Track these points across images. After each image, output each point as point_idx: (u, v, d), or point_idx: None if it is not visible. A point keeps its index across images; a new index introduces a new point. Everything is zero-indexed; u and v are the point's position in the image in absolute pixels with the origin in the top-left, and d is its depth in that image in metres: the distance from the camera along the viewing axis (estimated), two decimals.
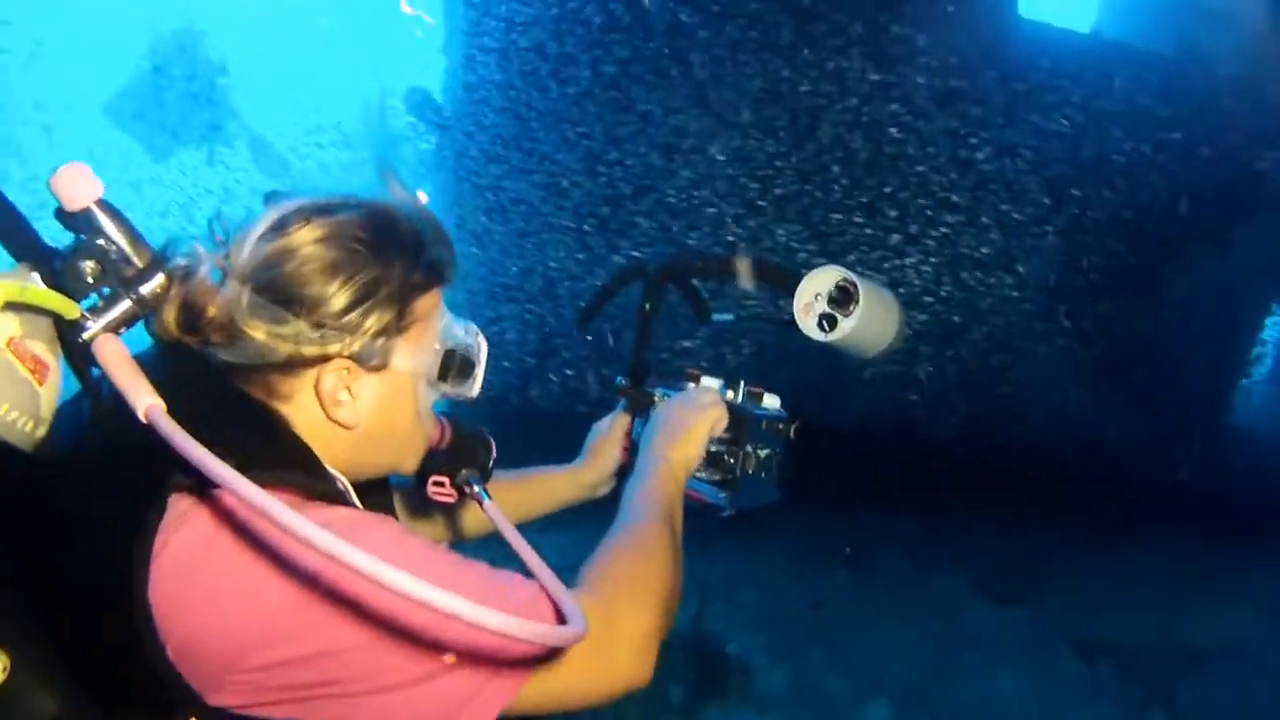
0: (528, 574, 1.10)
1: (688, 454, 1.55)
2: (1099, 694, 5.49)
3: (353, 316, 1.09)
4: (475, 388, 1.30)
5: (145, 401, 0.94)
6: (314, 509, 1.03)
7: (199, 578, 0.98)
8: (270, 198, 1.16)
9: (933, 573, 6.90)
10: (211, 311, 1.07)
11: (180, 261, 1.08)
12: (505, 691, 1.04)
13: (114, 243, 1.04)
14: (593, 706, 1.13)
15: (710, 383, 1.69)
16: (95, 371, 1.03)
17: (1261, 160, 8.26)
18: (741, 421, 1.61)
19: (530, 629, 0.90)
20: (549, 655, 1.05)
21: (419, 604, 0.85)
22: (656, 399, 1.71)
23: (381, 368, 1.15)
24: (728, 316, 2.05)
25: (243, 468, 0.88)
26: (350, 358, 1.11)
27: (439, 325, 1.23)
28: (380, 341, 1.12)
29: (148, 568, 0.96)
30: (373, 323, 1.11)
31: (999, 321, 8.19)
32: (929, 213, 7.80)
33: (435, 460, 1.40)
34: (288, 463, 1.06)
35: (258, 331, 1.06)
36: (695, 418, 1.58)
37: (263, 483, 0.88)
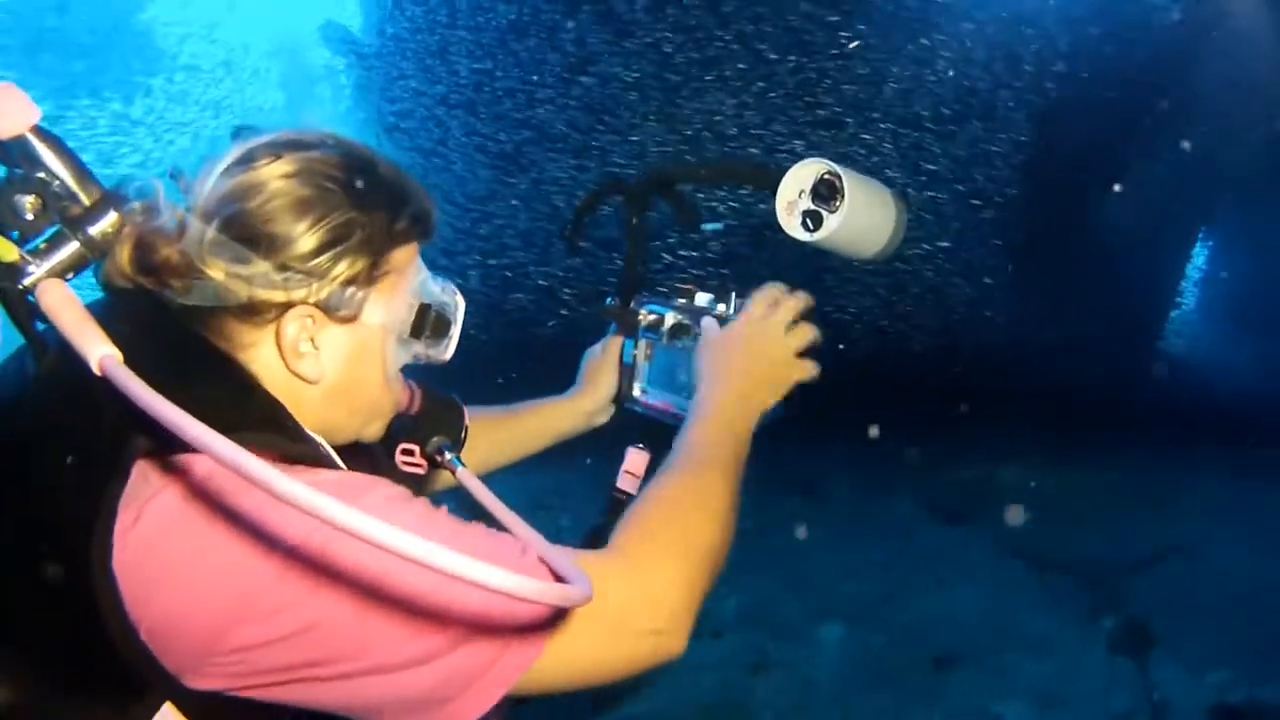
0: None
1: (762, 395, 1.38)
2: (1053, 604, 5.54)
3: (321, 260, 1.01)
4: (450, 349, 1.21)
5: (99, 351, 0.83)
6: (297, 473, 0.93)
7: (173, 551, 0.89)
8: (238, 133, 1.06)
9: (882, 495, 6.88)
10: (168, 250, 0.98)
11: (135, 202, 0.98)
12: (516, 667, 0.95)
13: (56, 176, 0.93)
14: (618, 680, 1.04)
15: (702, 297, 1.57)
16: (39, 325, 0.93)
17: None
18: None
19: (539, 589, 0.77)
20: (558, 624, 0.96)
21: (424, 567, 0.72)
22: (643, 317, 1.61)
23: (350, 319, 1.06)
24: (717, 226, 1.82)
25: (214, 426, 0.76)
26: (316, 305, 1.03)
27: (415, 280, 1.14)
28: (350, 291, 1.04)
29: (110, 543, 0.87)
30: (343, 269, 1.02)
31: (942, 248, 8.17)
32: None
33: (404, 427, 1.30)
34: (262, 421, 0.98)
35: (216, 270, 0.98)
36: (752, 346, 1.40)
37: (245, 445, 0.75)
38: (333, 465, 1.03)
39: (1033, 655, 4.97)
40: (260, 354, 1.04)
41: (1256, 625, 4.99)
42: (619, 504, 1.54)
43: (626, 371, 1.65)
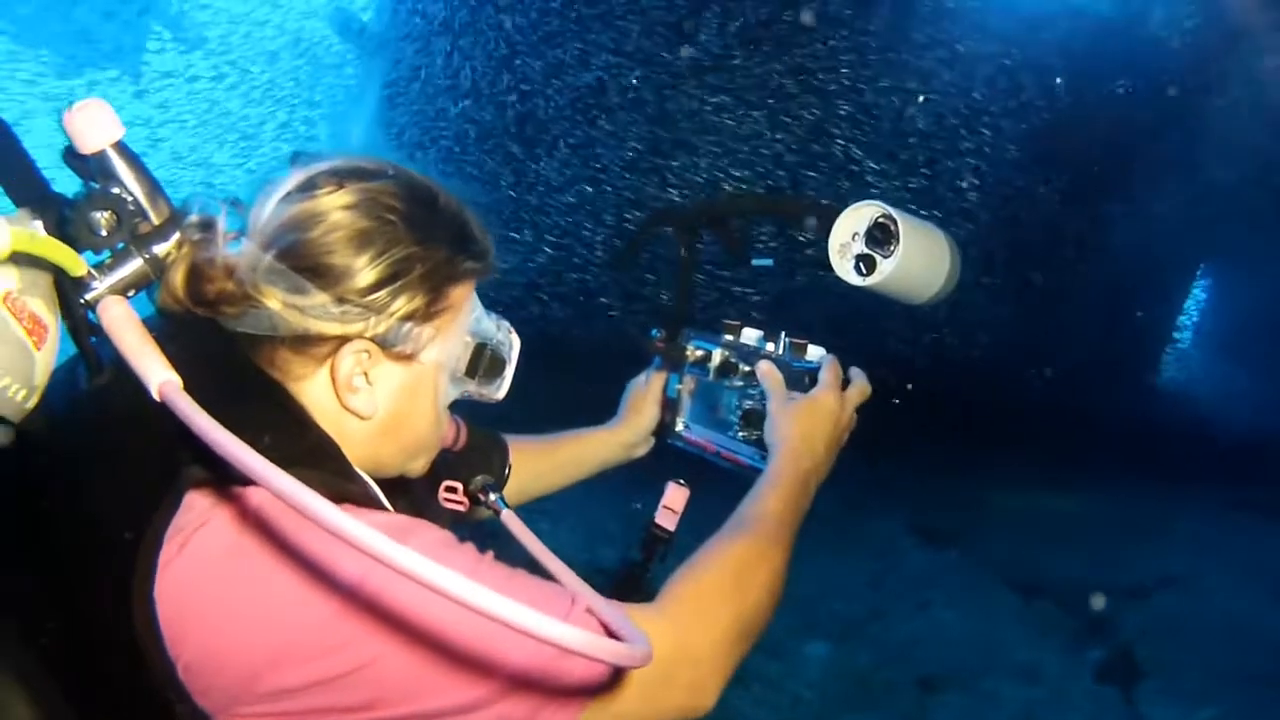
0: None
1: (826, 471, 1.42)
2: (1039, 630, 5.52)
3: (380, 295, 0.99)
4: (503, 389, 1.19)
5: (160, 376, 0.83)
6: (346, 511, 0.89)
7: (221, 588, 0.87)
8: (296, 158, 1.05)
9: (870, 515, 6.83)
10: (223, 277, 0.97)
11: (195, 219, 0.97)
12: (563, 718, 0.94)
13: (130, 193, 0.93)
14: None
15: (751, 334, 1.56)
16: (93, 339, 0.93)
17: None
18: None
19: (603, 647, 0.78)
20: (609, 681, 0.96)
21: (487, 619, 0.72)
22: (689, 353, 1.61)
23: (406, 356, 1.04)
24: (767, 261, 1.81)
25: (269, 459, 0.76)
26: (373, 340, 1.01)
27: (470, 317, 1.12)
28: (407, 326, 1.02)
29: (154, 574, 0.85)
30: (401, 305, 1.00)
31: None
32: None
33: (447, 464, 1.29)
34: (315, 455, 0.96)
35: (273, 300, 0.96)
36: (830, 425, 1.43)
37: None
38: (379, 505, 1.01)
39: (1019, 681, 4.93)
40: (312, 386, 1.02)
41: (1244, 660, 4.96)
42: (656, 539, 1.54)
43: (670, 405, 1.66)
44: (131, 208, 0.94)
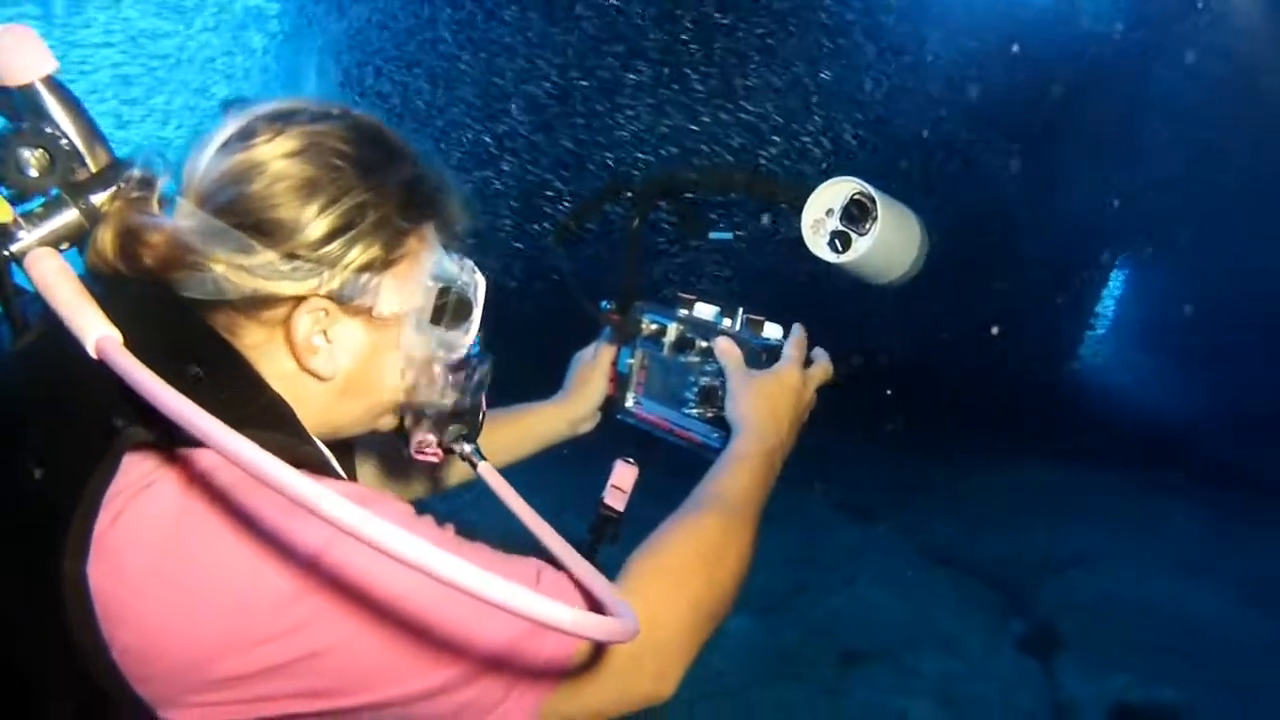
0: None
1: (788, 446, 1.37)
2: (962, 604, 5.56)
3: (333, 247, 0.92)
4: (471, 334, 1.12)
5: (97, 331, 0.78)
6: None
7: (164, 561, 0.80)
8: (230, 105, 0.98)
9: (795, 491, 6.78)
10: (157, 237, 0.90)
11: (135, 173, 0.91)
12: (527, 703, 0.90)
13: (64, 134, 0.87)
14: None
15: (705, 309, 1.53)
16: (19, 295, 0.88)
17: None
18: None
19: (591, 623, 0.74)
20: (578, 664, 0.92)
21: (467, 596, 0.68)
22: (644, 327, 1.56)
23: (365, 310, 0.97)
24: (726, 235, 2.04)
25: (221, 420, 0.71)
26: (328, 297, 0.94)
27: (431, 260, 1.05)
28: (365, 278, 0.95)
29: (87, 545, 0.78)
30: (357, 256, 0.94)
31: None
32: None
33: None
34: (270, 417, 0.91)
35: (216, 263, 0.89)
36: (795, 402, 1.39)
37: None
38: (334, 473, 0.95)
39: (940, 654, 4.93)
40: (266, 349, 0.96)
41: (1154, 630, 5.11)
42: (607, 520, 1.49)
43: (621, 380, 1.60)
44: (67, 149, 0.87)
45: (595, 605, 0.87)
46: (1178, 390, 10.33)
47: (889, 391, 6.79)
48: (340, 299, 0.95)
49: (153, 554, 0.80)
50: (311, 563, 0.81)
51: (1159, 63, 8.54)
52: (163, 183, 0.92)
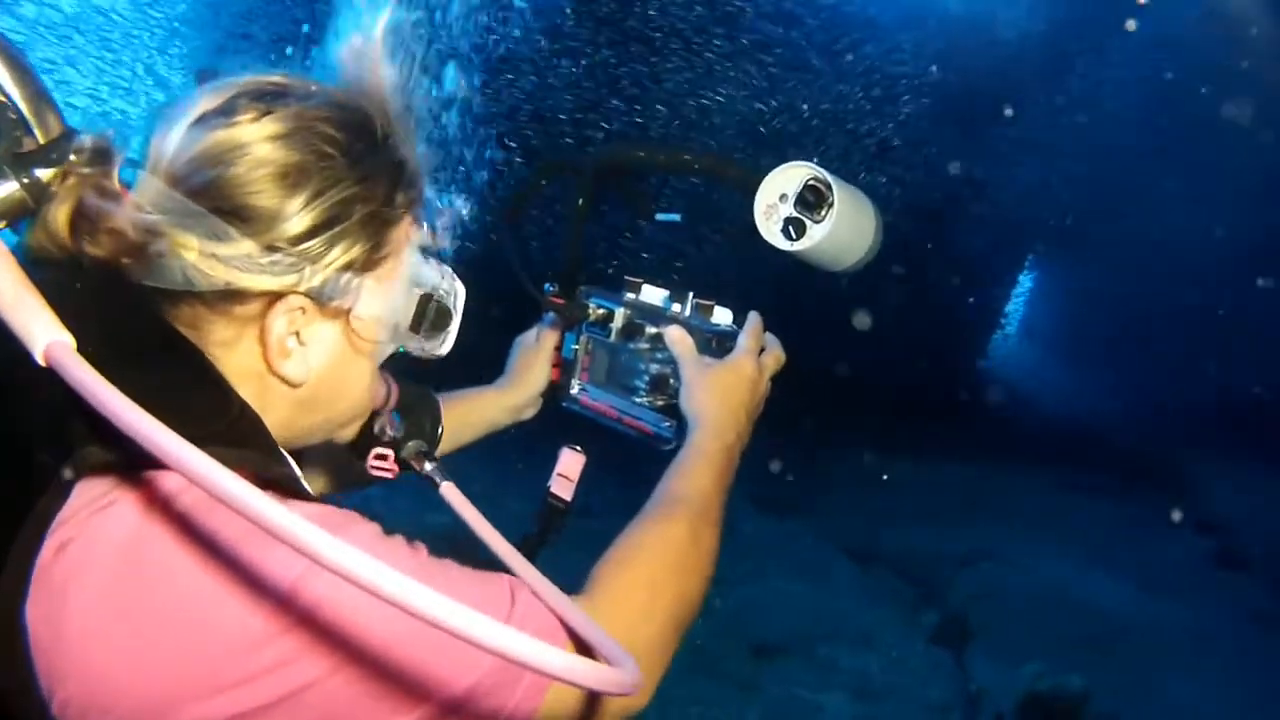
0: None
1: (746, 439, 1.33)
2: (875, 597, 5.55)
3: (317, 242, 0.84)
4: (448, 343, 1.07)
5: (47, 335, 0.69)
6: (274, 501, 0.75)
7: (117, 595, 0.70)
8: (204, 75, 0.89)
9: None
10: (119, 218, 0.79)
11: (89, 143, 0.80)
12: None
13: (7, 97, 0.77)
14: None
15: (653, 293, 1.48)
16: None
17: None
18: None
19: (599, 676, 0.72)
20: (558, 692, 0.87)
21: (456, 638, 0.65)
22: (592, 311, 1.50)
23: (343, 312, 0.90)
24: (674, 216, 1.94)
25: (185, 437, 0.65)
26: (307, 295, 0.86)
27: (412, 261, 0.99)
28: (346, 278, 0.88)
29: (25, 584, 0.69)
30: (340, 254, 0.86)
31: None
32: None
33: (378, 428, 1.20)
34: (240, 433, 0.82)
35: (187, 250, 0.79)
36: (751, 394, 1.35)
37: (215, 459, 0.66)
38: (306, 494, 0.87)
39: (854, 647, 4.89)
40: (234, 350, 0.88)
41: (1061, 620, 5.18)
42: (555, 511, 1.44)
43: (566, 366, 1.55)
44: (11, 116, 0.78)
45: (582, 645, 0.86)
46: (1084, 389, 10.67)
47: (801, 386, 6.75)
48: (319, 298, 0.87)
49: (103, 588, 0.71)
50: (286, 598, 0.74)
51: (1071, 67, 8.76)
52: (121, 158, 0.83)
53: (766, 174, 1.43)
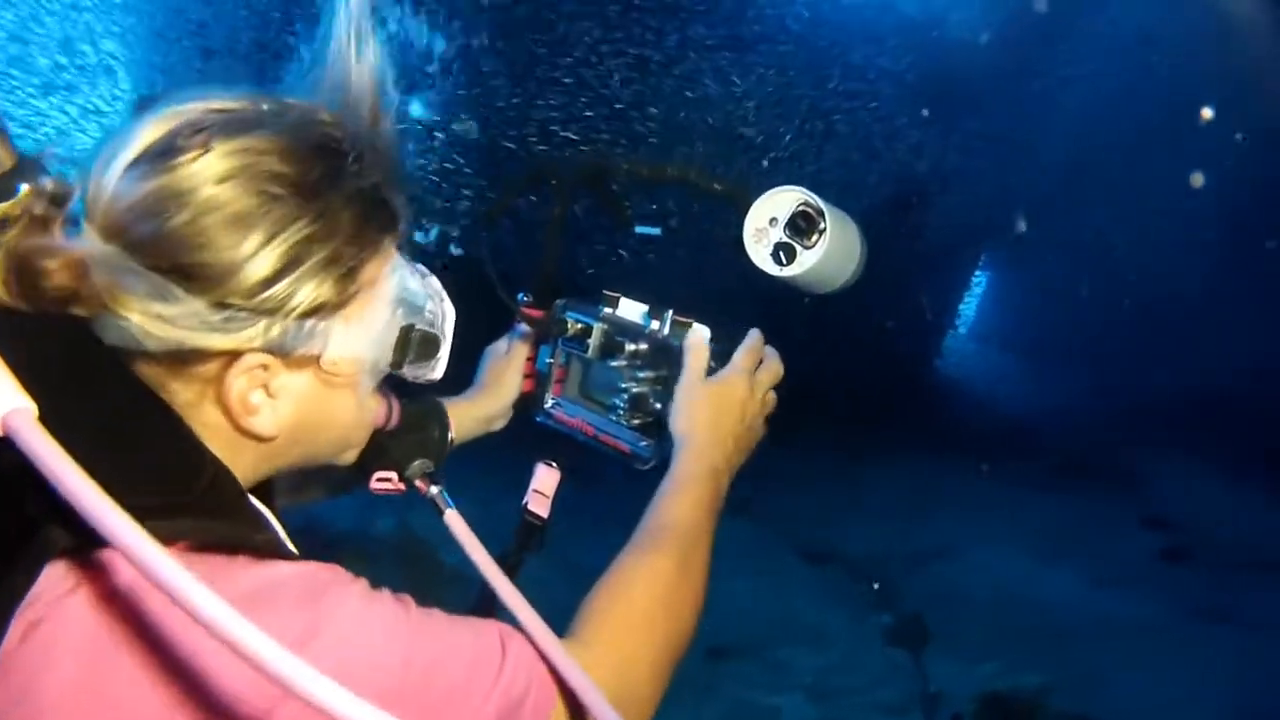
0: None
1: (738, 463, 1.32)
2: (830, 597, 5.48)
3: (273, 292, 0.78)
4: (440, 369, 1.00)
5: (8, 402, 0.65)
6: (248, 568, 0.75)
7: (71, 700, 0.67)
8: (143, 103, 0.83)
9: (653, 483, 6.61)
10: (58, 276, 0.73)
11: (48, 185, 0.75)
12: None
13: None
14: None
15: (631, 308, 1.45)
16: None
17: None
18: (668, 357, 1.39)
19: None
20: None
21: None
22: (570, 326, 1.46)
23: (311, 359, 0.83)
24: (654, 230, 1.75)
25: (155, 512, 0.65)
26: (267, 350, 0.80)
27: (390, 289, 0.89)
28: (311, 324, 0.81)
29: None
30: (303, 299, 0.79)
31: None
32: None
33: (381, 447, 1.16)
34: (213, 504, 0.77)
35: (130, 311, 0.74)
36: (740, 417, 1.31)
37: (183, 536, 0.69)
38: (288, 553, 0.82)
39: (810, 648, 4.84)
40: (200, 409, 0.82)
41: (1016, 618, 5.17)
42: (531, 528, 1.41)
43: (540, 379, 1.52)
44: None
45: (574, 699, 0.87)
46: (1036, 388, 10.80)
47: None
48: (282, 350, 0.81)
49: (73, 684, 0.67)
50: (240, 703, 0.70)
51: (1031, 66, 8.82)
52: (74, 196, 0.77)
53: (747, 188, 1.35)
